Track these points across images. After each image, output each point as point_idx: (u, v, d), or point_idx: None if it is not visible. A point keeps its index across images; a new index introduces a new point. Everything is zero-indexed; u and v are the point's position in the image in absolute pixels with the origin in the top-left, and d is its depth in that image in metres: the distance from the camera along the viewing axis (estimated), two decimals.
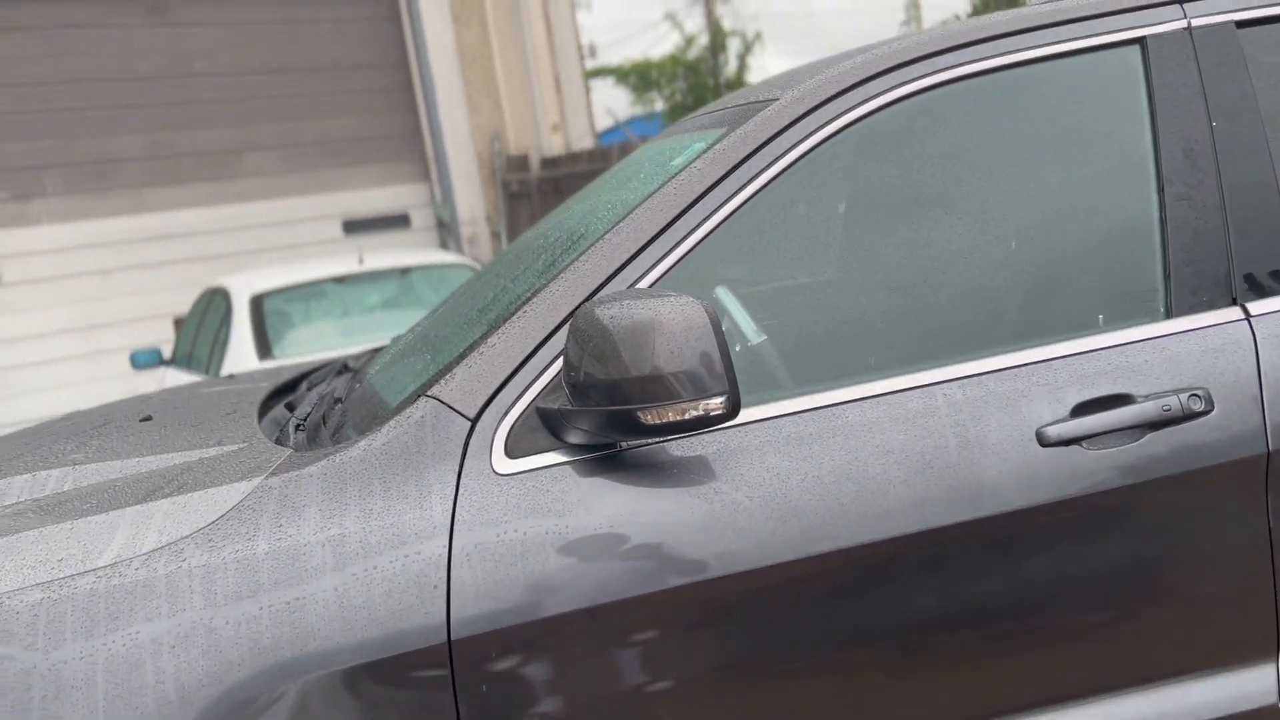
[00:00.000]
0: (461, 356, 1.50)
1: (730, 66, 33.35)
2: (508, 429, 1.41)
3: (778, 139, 1.51)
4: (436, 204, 9.57)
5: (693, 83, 33.12)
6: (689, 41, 33.24)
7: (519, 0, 9.49)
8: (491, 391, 1.42)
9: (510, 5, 9.60)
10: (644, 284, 1.46)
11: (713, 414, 1.24)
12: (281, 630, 1.30)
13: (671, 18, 33.64)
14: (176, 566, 1.33)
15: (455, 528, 1.36)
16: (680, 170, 1.54)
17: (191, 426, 1.79)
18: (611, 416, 1.30)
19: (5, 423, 7.91)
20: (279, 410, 2.02)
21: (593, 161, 7.90)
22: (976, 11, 31.68)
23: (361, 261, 5.11)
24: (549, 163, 8.89)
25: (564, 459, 1.41)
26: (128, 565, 1.34)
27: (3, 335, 7.96)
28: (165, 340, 8.01)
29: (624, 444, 1.41)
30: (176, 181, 8.61)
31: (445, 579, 1.33)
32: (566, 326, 1.44)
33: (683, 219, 1.48)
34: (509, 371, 1.43)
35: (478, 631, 1.33)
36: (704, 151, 1.56)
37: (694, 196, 1.49)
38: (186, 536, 1.37)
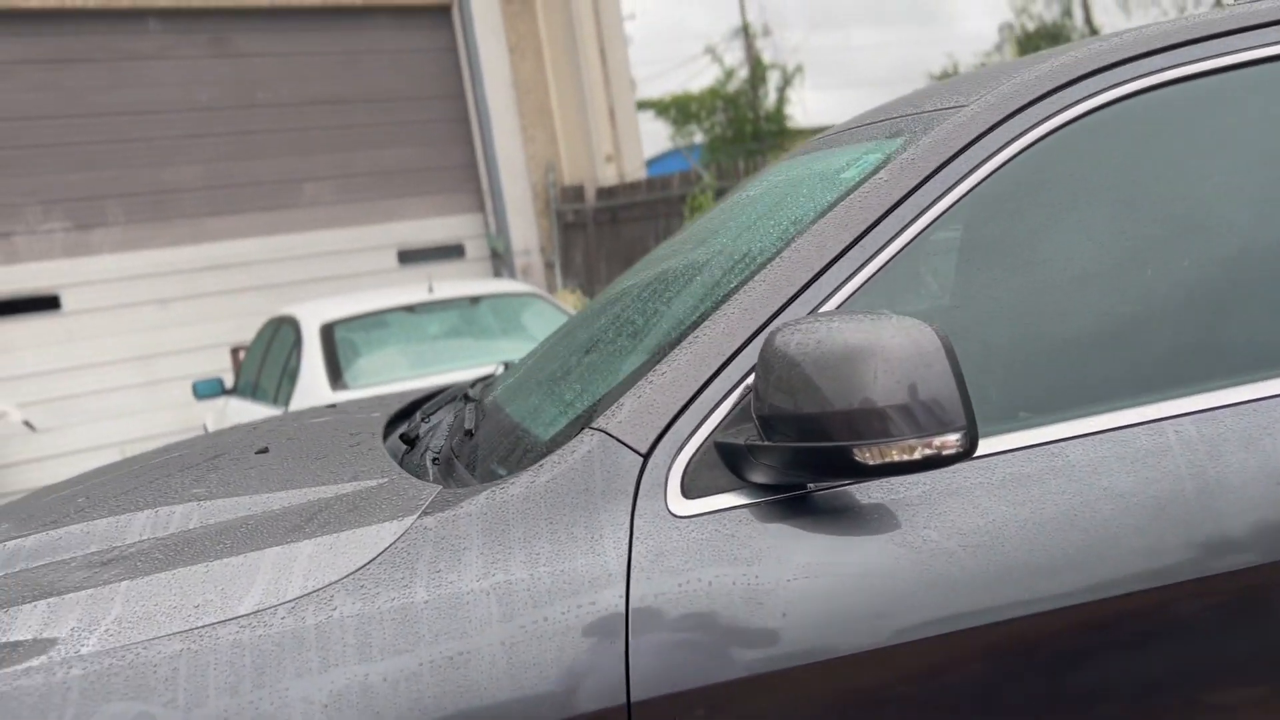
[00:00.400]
0: (625, 385, 1.37)
1: (770, 99, 33.47)
2: (684, 465, 1.28)
3: (974, 147, 1.38)
4: (490, 235, 9.53)
5: (732, 115, 33.27)
6: (729, 75, 33.39)
7: (575, 32, 9.48)
8: (665, 424, 1.29)
9: (566, 37, 9.60)
10: (830, 305, 1.33)
11: (947, 452, 1.10)
12: (445, 688, 1.17)
13: (711, 51, 33.83)
14: (327, 616, 1.21)
15: (632, 575, 1.22)
16: (861, 182, 1.41)
17: (316, 459, 1.67)
18: (814, 454, 1.16)
19: (63, 450, 7.90)
20: (393, 441, 1.89)
21: (652, 191, 7.81)
22: (1020, 46, 31.49)
23: (431, 290, 5.02)
24: (605, 193, 8.83)
25: (746, 500, 1.27)
26: (272, 614, 1.22)
27: (62, 364, 7.97)
28: (222, 369, 7.99)
29: (813, 485, 1.27)
30: (235, 211, 8.63)
31: (624, 633, 1.19)
32: (745, 352, 1.31)
33: (870, 235, 1.35)
34: (683, 402, 1.30)
35: (661, 693, 1.19)
36: (885, 162, 1.43)
37: (882, 210, 1.36)
38: (335, 582, 1.24)
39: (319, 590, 1.24)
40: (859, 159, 1.54)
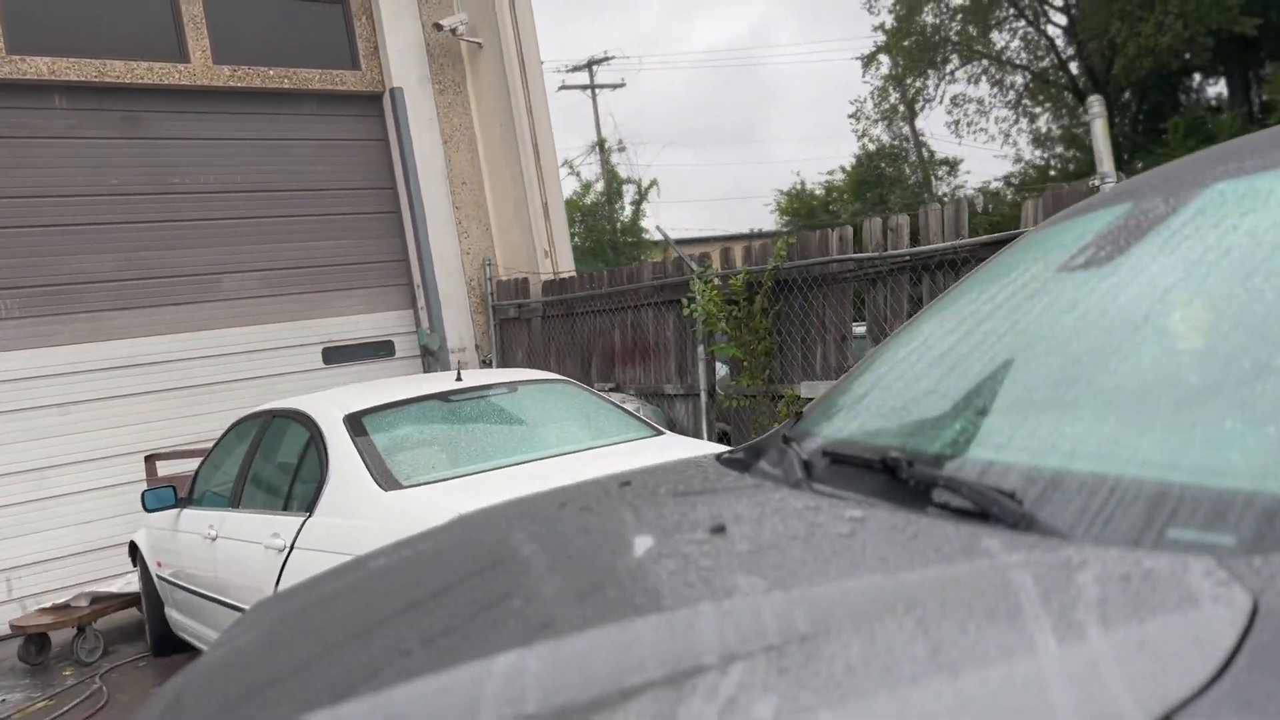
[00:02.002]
0: None
1: (626, 213, 34.15)
2: None
3: None
4: (422, 331, 8.97)
5: (590, 226, 33.70)
6: (586, 188, 33.95)
7: (512, 125, 9.21)
8: None
9: (500, 130, 9.32)
10: None
11: None
12: None
13: (569, 164, 34.39)
14: None
15: None
16: None
17: (830, 537, 1.23)
18: None
19: None
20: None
21: (615, 283, 7.49)
22: (863, 165, 33.28)
23: (460, 379, 4.51)
24: (555, 286, 8.45)
25: None
26: None
27: None
28: (130, 482, 7.08)
29: None
30: (146, 305, 7.80)
31: None
32: None
33: None
34: None
35: None
36: None
37: None
38: (1192, 700, 0.83)
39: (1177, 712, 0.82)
40: None
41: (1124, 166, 7.74)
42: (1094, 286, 1.67)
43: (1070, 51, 29.15)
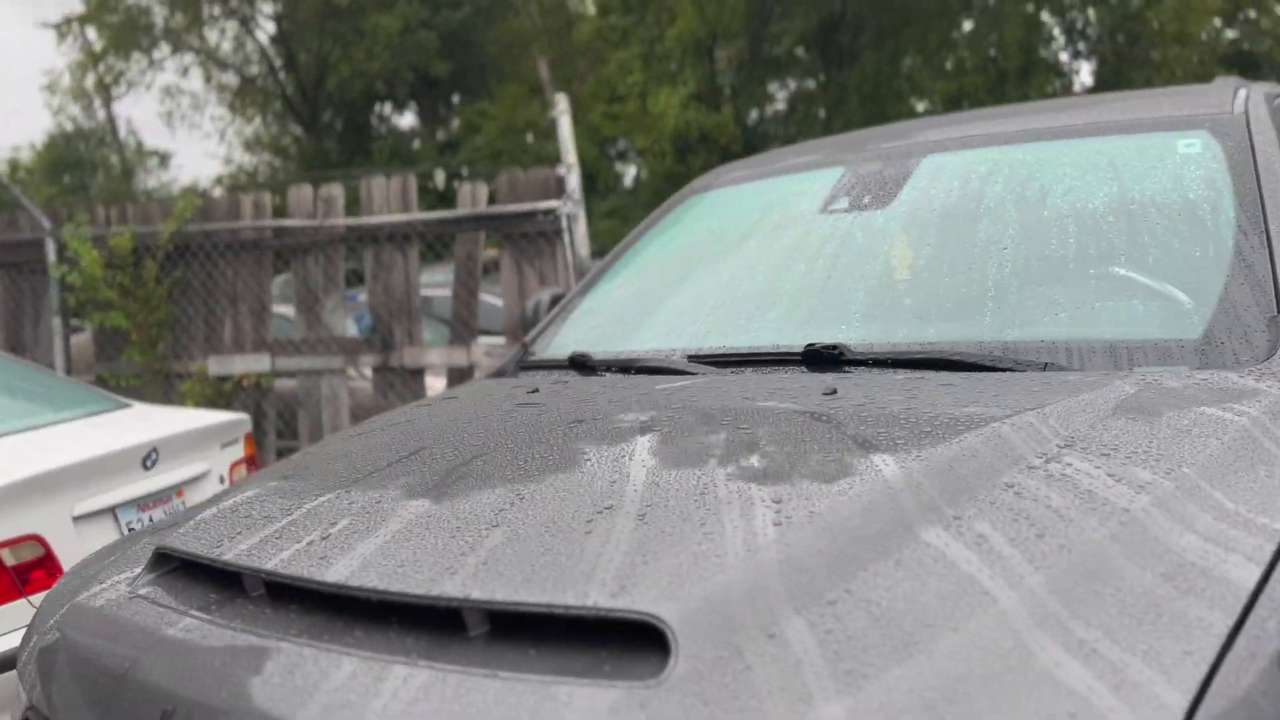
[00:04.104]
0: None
1: None
2: None
3: None
4: None
5: None
6: None
7: None
8: None
9: None
10: None
11: None
12: None
13: None
14: None
15: None
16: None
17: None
18: None
19: None
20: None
21: None
22: (58, 148, 29.89)
23: None
24: None
25: None
26: None
27: None
28: None
29: None
30: None
31: None
32: None
33: None
34: None
35: None
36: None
37: None
38: None
39: None
40: (1170, 145, 1.99)
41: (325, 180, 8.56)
42: (882, 223, 2.15)
43: (280, 61, 29.75)
